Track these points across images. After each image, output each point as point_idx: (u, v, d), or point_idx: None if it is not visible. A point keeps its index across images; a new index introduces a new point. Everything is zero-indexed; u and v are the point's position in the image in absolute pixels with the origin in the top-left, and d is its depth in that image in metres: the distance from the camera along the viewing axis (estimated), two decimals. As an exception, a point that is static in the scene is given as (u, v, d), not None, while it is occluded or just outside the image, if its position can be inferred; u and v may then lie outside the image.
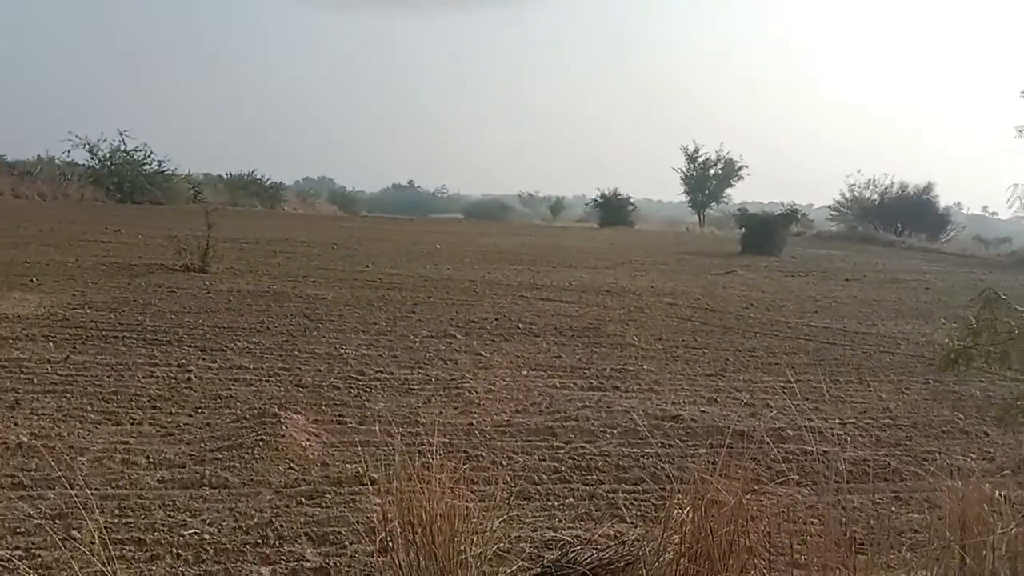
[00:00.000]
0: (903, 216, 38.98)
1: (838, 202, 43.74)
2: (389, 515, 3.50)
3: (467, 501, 3.75)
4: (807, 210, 42.27)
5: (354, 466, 4.92)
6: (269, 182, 41.76)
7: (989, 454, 5.74)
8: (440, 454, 5.29)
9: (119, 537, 3.81)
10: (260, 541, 3.94)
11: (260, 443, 5.22)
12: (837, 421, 6.53)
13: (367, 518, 4.08)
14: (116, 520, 4.01)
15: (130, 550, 3.74)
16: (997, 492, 3.37)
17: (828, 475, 4.66)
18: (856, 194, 42.46)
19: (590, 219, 44.95)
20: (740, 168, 49.84)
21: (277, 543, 3.94)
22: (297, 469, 4.92)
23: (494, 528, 3.39)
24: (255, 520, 4.16)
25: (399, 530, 3.44)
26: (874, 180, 41.60)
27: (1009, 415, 3.34)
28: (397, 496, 3.26)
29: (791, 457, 5.39)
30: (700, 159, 49.69)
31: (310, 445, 5.34)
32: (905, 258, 26.97)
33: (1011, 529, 2.85)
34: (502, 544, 3.56)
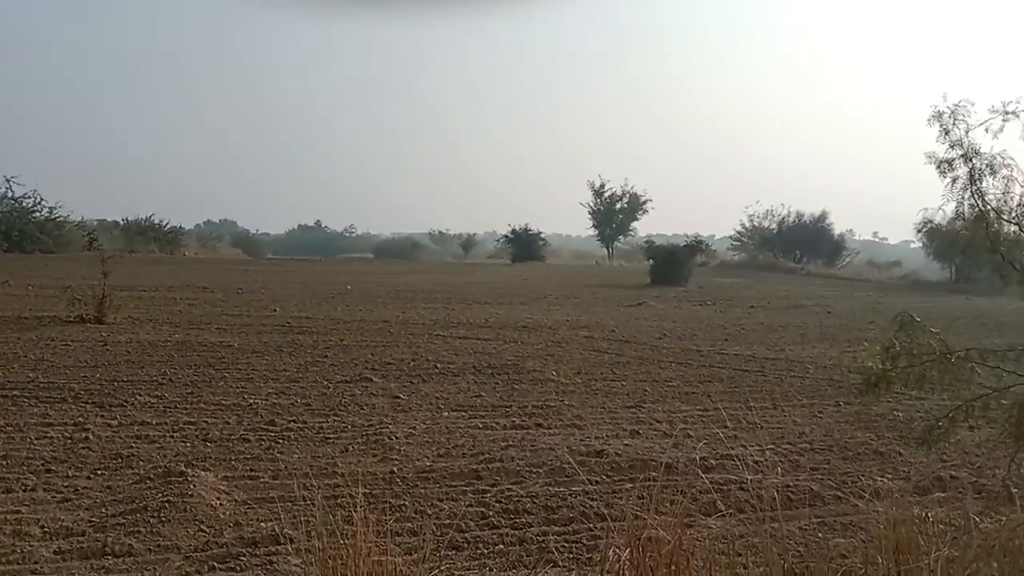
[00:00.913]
0: (801, 244, 40.76)
1: (739, 232, 45.41)
2: (335, 570, 3.27)
3: (394, 556, 3.56)
4: (710, 240, 43.68)
5: (269, 524, 4.63)
6: (168, 227, 40.30)
7: (904, 473, 5.89)
8: (362, 506, 5.08)
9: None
10: (166, 616, 3.62)
11: (166, 505, 4.86)
12: (756, 448, 6.58)
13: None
14: (1, 604, 3.62)
15: (17, 637, 3.36)
16: (925, 513, 3.40)
17: (757, 504, 4.64)
18: (755, 224, 44.20)
19: (502, 255, 45.18)
20: (645, 202, 51.15)
21: (186, 616, 3.62)
22: (208, 531, 4.58)
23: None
24: (161, 592, 3.83)
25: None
26: (772, 210, 43.44)
27: (931, 436, 3.38)
28: (319, 555, 3.03)
29: (719, 487, 5.37)
30: (606, 194, 50.76)
31: (220, 504, 5.00)
32: (805, 284, 28.10)
33: (943, 552, 2.85)
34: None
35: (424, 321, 13.83)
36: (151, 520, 4.62)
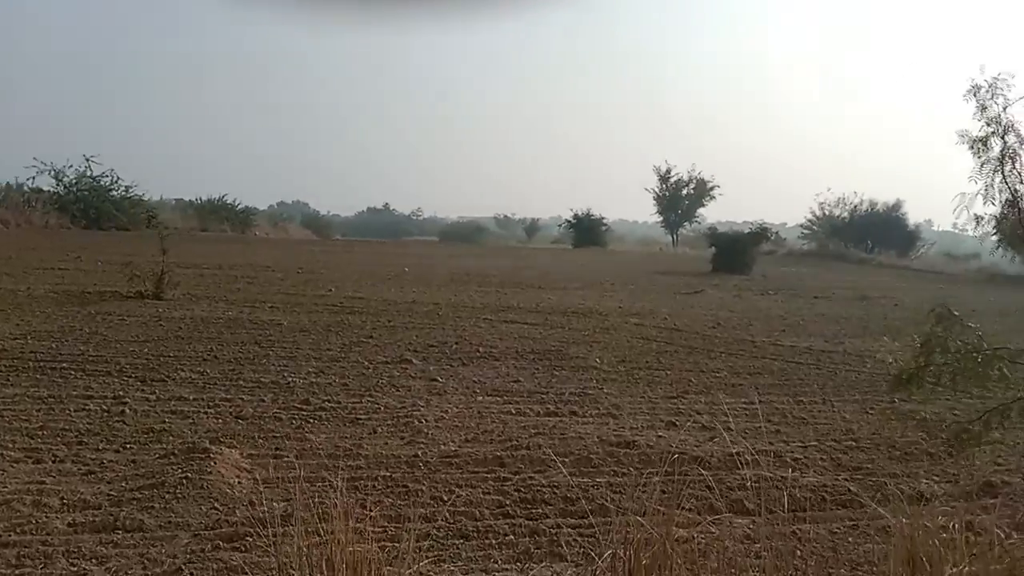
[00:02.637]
0: (873, 233, 39.31)
1: (809, 220, 44.07)
2: (311, 559, 3.23)
3: (397, 542, 3.51)
4: (780, 228, 42.46)
5: (283, 504, 4.62)
6: (240, 207, 41.24)
7: (954, 476, 5.55)
8: (379, 489, 5.05)
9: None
10: (167, 592, 3.63)
11: (184, 481, 4.90)
12: (798, 444, 6.32)
13: (285, 563, 3.79)
14: (9, 572, 3.68)
15: (21, 605, 3.42)
16: (953, 522, 3.15)
17: (788, 504, 4.43)
18: (826, 212, 42.83)
19: (565, 240, 44.89)
20: (712, 188, 50.08)
21: (186, 594, 3.63)
22: (220, 509, 4.60)
23: (411, 574, 3.10)
24: (165, 567, 3.85)
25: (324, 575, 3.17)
26: (843, 198, 42.00)
27: (960, 439, 3.13)
28: (295, 543, 2.98)
29: (748, 484, 5.15)
30: (672, 179, 49.88)
31: (239, 482, 5.03)
32: (875, 275, 27.08)
33: (964, 569, 2.63)
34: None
35: (474, 304, 13.79)
36: (166, 496, 4.66)
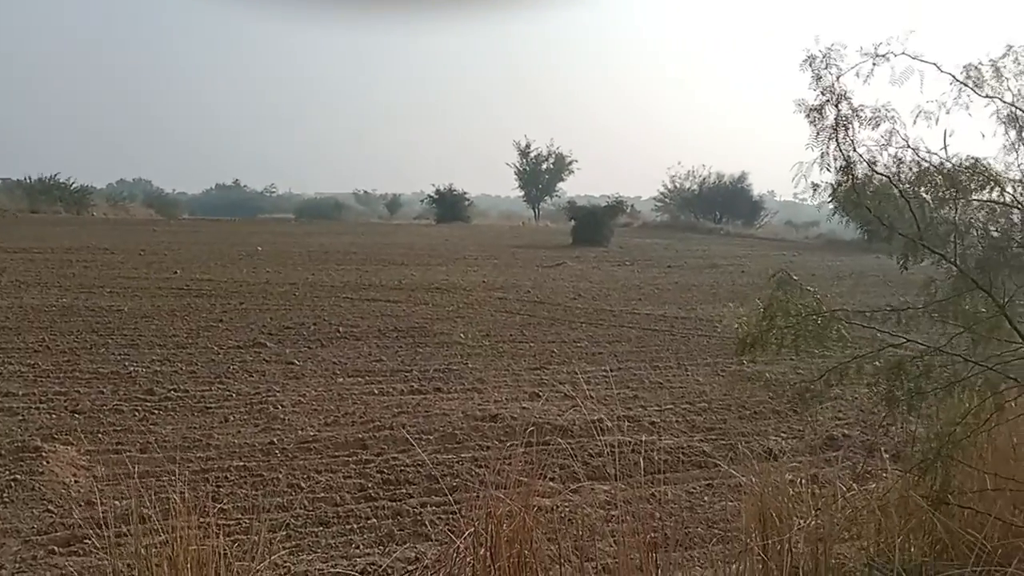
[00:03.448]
0: (720, 204, 41.30)
1: (662, 193, 45.76)
2: (154, 561, 2.99)
3: (253, 535, 3.30)
4: (635, 201, 43.88)
5: (125, 503, 4.27)
6: (75, 185, 38.23)
7: (799, 432, 5.88)
8: (232, 480, 4.78)
9: None
10: (-12, 610, 3.28)
11: (12, 484, 4.48)
12: (655, 408, 6.52)
13: (128, 565, 3.50)
14: None
15: None
16: (800, 477, 3.30)
17: (646, 467, 4.53)
18: (677, 185, 44.56)
19: (428, 216, 44.52)
20: (571, 163, 50.98)
21: (10, 609, 3.29)
22: (55, 511, 4.23)
23: (263, 568, 2.93)
24: (-12, 582, 3.48)
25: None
26: (693, 171, 43.84)
27: (803, 397, 3.27)
28: (132, 545, 2.74)
29: (608, 450, 5.24)
30: (532, 154, 50.41)
31: (75, 482, 4.64)
32: (723, 244, 28.52)
33: (811, 522, 2.75)
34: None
35: (333, 283, 13.40)
36: (-9, 502, 4.23)
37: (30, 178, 38.26)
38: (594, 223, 25.81)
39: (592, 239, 24.80)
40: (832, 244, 29.56)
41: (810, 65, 3.06)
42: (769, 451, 5.25)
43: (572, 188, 52.50)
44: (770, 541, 2.75)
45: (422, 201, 47.39)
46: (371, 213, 58.17)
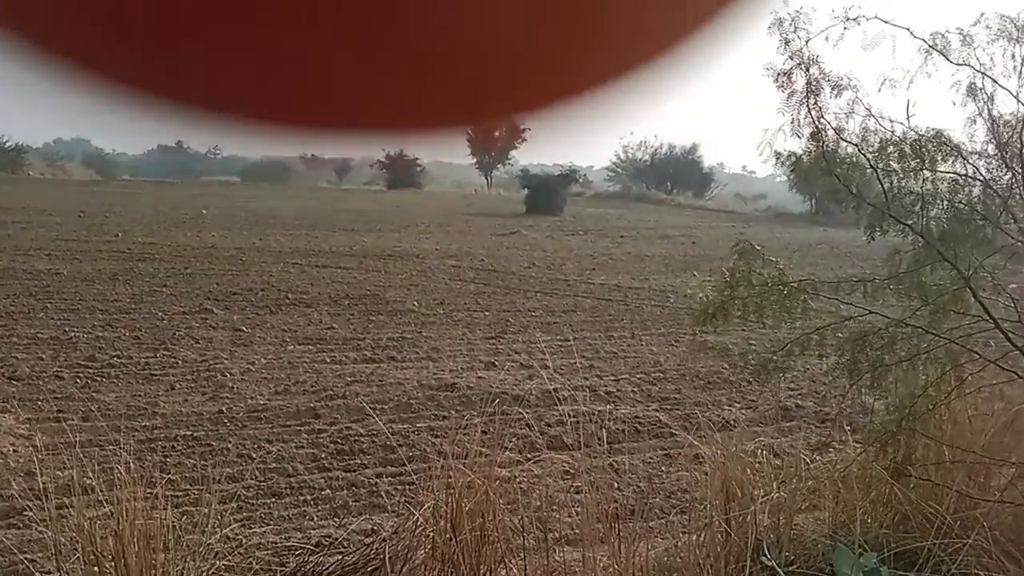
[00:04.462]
0: (672, 176, 41.62)
1: (614, 163, 45.88)
2: (98, 534, 2.86)
3: (203, 507, 3.18)
4: (587, 171, 43.94)
5: (67, 473, 4.09)
6: (9, 144, 36.65)
7: (752, 403, 5.94)
8: (179, 451, 4.62)
9: None
10: (-83, 588, 3.10)
11: (-57, 456, 4.24)
12: (611, 378, 6.51)
13: (71, 539, 3.35)
14: None
15: None
16: (759, 451, 3.30)
17: (603, 437, 4.51)
18: (629, 155, 44.73)
19: (378, 183, 43.94)
20: (524, 131, 50.74)
21: (-59, 588, 3.12)
22: (-10, 484, 4.02)
23: (214, 541, 2.82)
24: (-83, 558, 3.29)
25: (112, 549, 2.82)
26: (645, 142, 44.02)
27: (765, 369, 3.26)
28: (74, 518, 2.60)
29: (566, 420, 5.22)
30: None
31: (14, 451, 4.43)
32: (674, 215, 28.75)
33: (772, 496, 2.73)
34: (232, 558, 3.00)
35: (282, 249, 13.10)
36: (-81, 475, 4.01)
37: (-42, 135, 36.57)
38: (547, 192, 25.74)
39: (545, 208, 24.74)
40: (780, 217, 30.06)
41: (778, 28, 3.00)
42: (725, 421, 5.28)
43: (525, 157, 52.26)
44: (732, 514, 2.74)
45: (372, 166, 46.69)
46: (319, 178, 57.12)
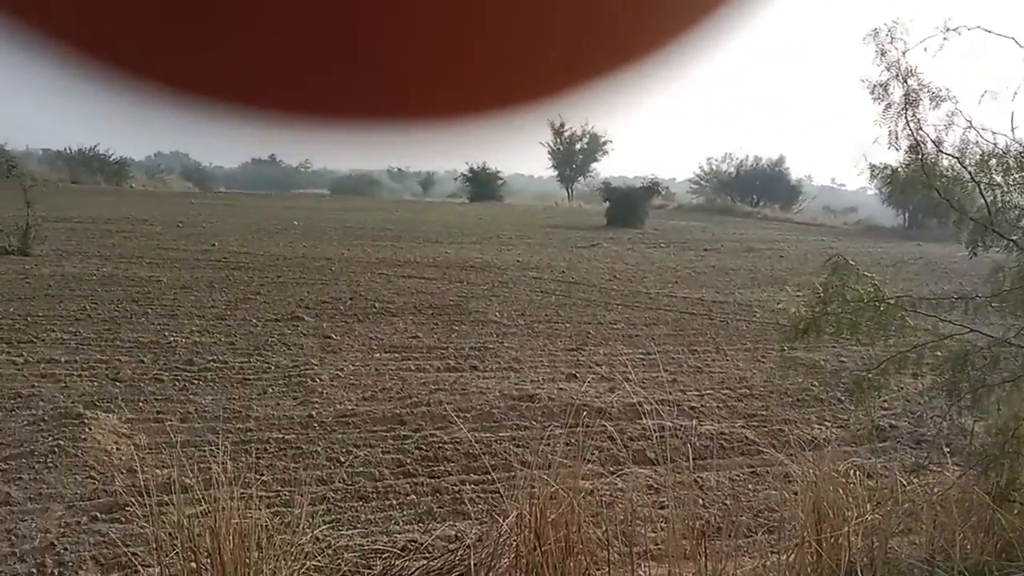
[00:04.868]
0: (757, 188, 40.75)
1: (697, 175, 45.25)
2: (196, 530, 3.00)
3: (294, 508, 3.30)
4: (670, 183, 43.43)
5: (167, 471, 4.30)
6: (114, 157, 38.74)
7: (843, 421, 5.76)
8: (271, 452, 4.79)
9: None
10: (34, 571, 3.31)
11: (55, 450, 4.52)
12: (695, 393, 6.42)
13: (170, 534, 3.52)
14: None
15: None
16: (852, 471, 3.20)
17: (685, 452, 4.45)
18: (714, 167, 44.05)
19: (461, 195, 44.49)
20: (605, 143, 50.56)
21: (56, 571, 3.32)
22: (98, 478, 4.26)
23: (304, 542, 2.91)
24: (36, 543, 3.52)
25: (208, 546, 2.94)
26: (730, 154, 43.28)
27: (859, 387, 3.17)
28: (174, 516, 2.73)
29: (649, 434, 5.18)
30: (566, 133, 50.03)
31: (117, 449, 4.68)
32: (760, 228, 28.11)
33: (866, 517, 2.65)
34: (320, 559, 3.10)
35: (369, 259, 13.43)
36: (36, 466, 4.28)
37: (70, 149, 38.85)
38: (629, 204, 25.53)
39: (627, 220, 24.55)
40: (871, 230, 29.01)
41: (874, 39, 2.93)
42: (814, 439, 5.14)
43: (606, 168, 52.07)
44: (824, 535, 2.67)
45: (455, 179, 47.33)
46: (404, 190, 58.29)
